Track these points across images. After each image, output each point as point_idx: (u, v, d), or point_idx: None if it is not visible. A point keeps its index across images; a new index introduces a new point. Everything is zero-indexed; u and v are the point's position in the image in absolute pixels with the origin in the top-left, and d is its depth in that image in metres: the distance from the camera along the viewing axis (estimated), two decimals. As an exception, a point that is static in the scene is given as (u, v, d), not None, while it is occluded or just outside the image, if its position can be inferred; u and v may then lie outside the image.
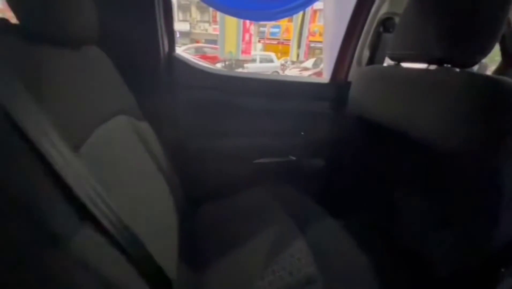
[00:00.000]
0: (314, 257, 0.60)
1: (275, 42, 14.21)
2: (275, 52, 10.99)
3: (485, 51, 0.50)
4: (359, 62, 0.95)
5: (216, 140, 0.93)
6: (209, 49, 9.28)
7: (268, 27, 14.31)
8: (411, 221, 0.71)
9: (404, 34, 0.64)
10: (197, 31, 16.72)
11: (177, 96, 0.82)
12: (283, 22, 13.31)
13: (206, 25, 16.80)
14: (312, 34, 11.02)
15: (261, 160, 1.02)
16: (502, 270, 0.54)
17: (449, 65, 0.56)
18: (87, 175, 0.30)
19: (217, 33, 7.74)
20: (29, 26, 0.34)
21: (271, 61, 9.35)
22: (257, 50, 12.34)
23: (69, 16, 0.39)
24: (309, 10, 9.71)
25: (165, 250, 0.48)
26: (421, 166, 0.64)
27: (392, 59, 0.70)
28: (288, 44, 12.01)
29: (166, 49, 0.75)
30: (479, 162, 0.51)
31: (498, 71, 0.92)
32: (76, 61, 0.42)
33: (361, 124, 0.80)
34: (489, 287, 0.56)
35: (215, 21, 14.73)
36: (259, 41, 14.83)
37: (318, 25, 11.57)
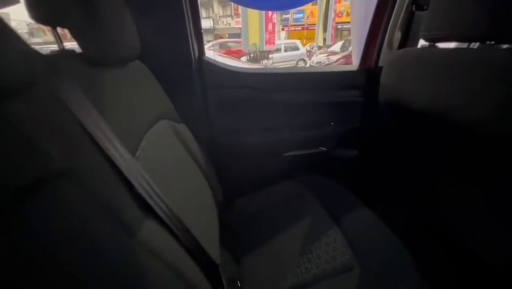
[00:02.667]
0: (350, 246, 0.61)
1: (299, 28, 13.73)
2: (300, 38, 10.65)
3: None
4: (390, 46, 0.89)
5: (247, 136, 0.97)
6: (233, 44, 9.34)
7: (292, 13, 13.83)
8: (455, 211, 0.68)
9: (441, 11, 0.59)
10: (220, 26, 16.90)
11: (208, 97, 0.87)
12: (307, 7, 12.74)
13: (229, 19, 16.88)
14: (338, 15, 10.41)
15: (292, 153, 1.03)
16: None
17: (492, 42, 0.51)
18: (144, 174, 0.36)
19: (240, 26, 7.74)
20: (90, 53, 0.40)
21: (296, 48, 9.09)
22: (281, 39, 12.08)
23: (120, 40, 0.45)
24: (334, -11, 9.16)
25: (209, 239, 0.54)
26: (465, 153, 0.60)
27: (427, 40, 0.66)
28: (314, 29, 11.52)
29: (197, 53, 0.80)
30: None
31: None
32: (125, 77, 0.49)
33: (395, 111, 0.77)
34: None
35: (237, 14, 14.70)
36: (282, 29, 14.47)
37: (345, 4, 10.87)
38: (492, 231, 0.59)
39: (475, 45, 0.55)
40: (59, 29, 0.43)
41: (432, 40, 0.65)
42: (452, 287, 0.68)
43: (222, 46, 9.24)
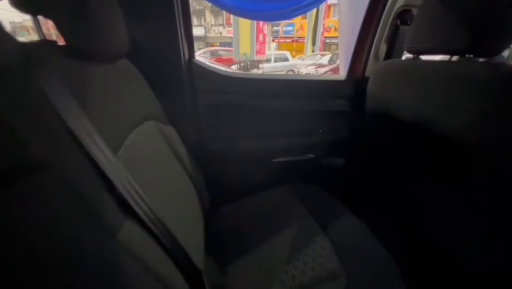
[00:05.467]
0: (337, 254, 0.61)
1: (289, 40, 14.14)
2: (290, 50, 10.93)
3: (509, 39, 0.48)
4: (376, 57, 0.93)
5: (236, 141, 0.96)
6: (224, 52, 9.44)
7: (282, 26, 14.27)
8: (437, 219, 0.69)
9: (423, 25, 0.63)
10: (211, 34, 17.07)
11: (198, 101, 0.86)
12: (297, 20, 13.20)
13: (221, 28, 17.08)
14: (327, 29, 10.84)
15: (281, 159, 1.03)
16: None
17: (471, 56, 0.55)
18: (127, 174, 0.34)
19: (231, 35, 7.85)
20: (75, 46, 0.39)
21: (286, 59, 9.31)
22: (271, 49, 12.36)
23: (108, 35, 0.44)
24: (323, 5, 9.55)
25: (193, 244, 0.52)
26: (447, 161, 0.63)
27: (410, 52, 0.69)
28: (303, 42, 11.90)
29: (187, 56, 0.79)
30: (509, 155, 0.49)
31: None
32: (111, 74, 0.47)
33: (381, 120, 0.79)
34: None
35: (229, 24, 14.93)
36: (273, 41, 14.85)
37: (333, 20, 11.34)
38: (472, 239, 0.61)
39: (456, 58, 0.58)
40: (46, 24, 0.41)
41: (415, 52, 0.68)
42: None
43: (213, 54, 9.31)
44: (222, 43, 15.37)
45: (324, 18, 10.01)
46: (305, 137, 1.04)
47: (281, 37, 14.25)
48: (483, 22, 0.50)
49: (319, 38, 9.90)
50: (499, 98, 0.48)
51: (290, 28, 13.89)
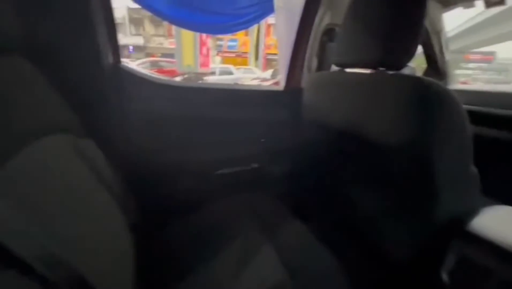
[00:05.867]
0: (284, 265, 0.60)
1: (233, 55, 14.52)
2: (234, 64, 11.20)
3: (409, 53, 0.57)
4: (309, 69, 1.01)
5: (174, 154, 0.89)
6: (166, 63, 9.05)
7: (226, 40, 14.61)
8: (370, 216, 0.76)
9: (344, 42, 0.70)
10: (152, 45, 16.25)
11: (127, 110, 0.77)
12: (240, 36, 13.76)
13: (162, 39, 16.43)
14: (268, 47, 11.55)
15: (223, 171, 1.00)
16: (455, 241, 0.59)
17: (383, 69, 0.63)
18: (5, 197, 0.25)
19: (174, 46, 7.61)
20: None
21: (230, 73, 9.49)
22: (216, 63, 12.47)
23: None
24: (263, 24, 10.19)
25: (115, 273, 0.43)
26: (373, 164, 0.69)
27: (336, 65, 0.76)
28: (246, 57, 12.37)
29: (111, 59, 0.70)
30: (419, 155, 0.56)
31: (424, 75, 1.07)
32: None
33: (316, 129, 0.84)
34: (440, 261, 0.61)
35: (170, 35, 14.51)
36: (217, 54, 15.03)
37: (273, 38, 12.19)
38: (397, 229, 0.68)
39: (372, 70, 0.66)
40: None
41: (340, 65, 0.75)
42: None
43: (154, 64, 8.82)
44: (164, 54, 14.78)
45: (265, 36, 10.67)
46: (248, 146, 1.03)
47: (225, 51, 14.55)
48: (388, 40, 0.59)
49: (261, 54, 10.46)
50: (408, 105, 0.55)
51: (234, 43, 14.33)
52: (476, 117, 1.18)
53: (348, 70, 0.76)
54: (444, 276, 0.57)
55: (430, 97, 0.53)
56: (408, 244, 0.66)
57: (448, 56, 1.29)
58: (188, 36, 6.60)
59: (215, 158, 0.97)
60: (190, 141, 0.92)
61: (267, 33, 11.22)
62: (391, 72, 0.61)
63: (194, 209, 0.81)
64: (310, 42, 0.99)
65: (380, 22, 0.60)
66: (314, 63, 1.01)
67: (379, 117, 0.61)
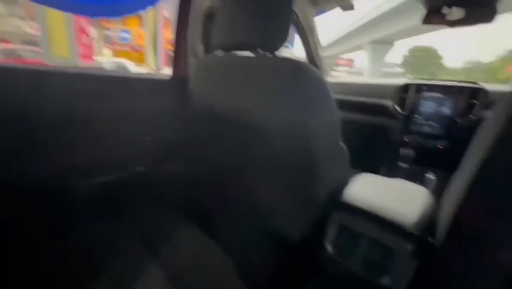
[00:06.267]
0: (171, 282, 0.54)
1: (127, 48, 12.75)
2: (130, 59, 9.85)
3: (282, 36, 0.58)
4: (194, 55, 0.93)
5: (29, 161, 0.62)
6: (28, 53, 6.93)
7: (116, 31, 12.63)
8: (267, 203, 0.75)
9: (222, 25, 0.66)
10: (4, 28, 12.13)
11: None
12: (133, 27, 12.19)
13: (18, 21, 12.48)
14: (168, 41, 10.78)
15: (99, 180, 0.79)
16: (334, 213, 0.64)
17: (263, 51, 0.62)
18: None
19: (38, 32, 5.92)
20: None
21: (124, 68, 8.27)
22: (105, 56, 10.64)
23: None
24: (161, 16, 9.40)
25: None
26: (264, 151, 0.68)
27: (221, 48, 0.71)
28: (143, 52, 11.13)
29: None
30: (301, 135, 0.58)
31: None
32: None
33: (207, 118, 0.77)
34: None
35: (31, 17, 11.25)
36: (106, 47, 12.81)
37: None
38: (289, 212, 0.70)
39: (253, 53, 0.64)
40: None
41: (224, 48, 0.70)
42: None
43: (8, 53, 6.59)
44: (26, 41, 11.32)
45: (164, 28, 9.88)
46: (130, 146, 0.86)
47: (116, 43, 12.58)
48: (262, 22, 0.58)
49: (161, 48, 9.63)
50: (288, 86, 0.55)
51: (126, 35, 12.57)
52: (341, 104, 1.43)
53: (232, 53, 0.73)
54: (328, 247, 0.61)
55: (308, 79, 0.55)
56: (299, 223, 0.68)
57: (322, 53, 1.50)
58: (57, 19, 5.25)
59: (85, 164, 0.75)
60: (42, 146, 0.66)
61: (166, 26, 10.44)
62: (270, 55, 0.61)
63: (64, 232, 0.67)
64: (191, 26, 0.90)
65: (253, 4, 0.58)
66: (200, 48, 0.93)
67: (265, 101, 0.59)
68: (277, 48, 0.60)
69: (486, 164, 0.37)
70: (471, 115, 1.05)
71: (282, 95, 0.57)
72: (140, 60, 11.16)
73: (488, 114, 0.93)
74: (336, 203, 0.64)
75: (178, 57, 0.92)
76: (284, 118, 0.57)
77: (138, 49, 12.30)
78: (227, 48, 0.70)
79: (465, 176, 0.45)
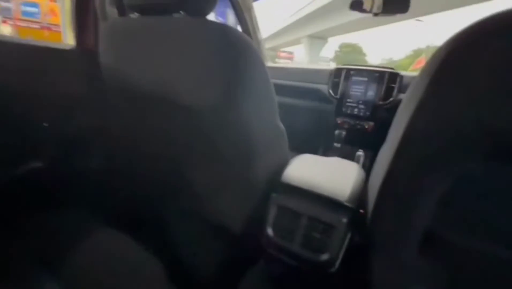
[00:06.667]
0: None
1: (36, 26, 10.43)
2: (41, 39, 8.10)
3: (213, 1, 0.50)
4: (104, 19, 0.77)
5: None
6: None
7: (16, 4, 10.14)
8: (205, 192, 0.68)
9: None
10: None
11: None
12: (43, 2, 9.98)
13: None
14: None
15: None
16: (273, 195, 0.62)
17: (187, 15, 0.53)
18: None
19: None
20: None
21: (33, 50, 6.76)
22: (2, 32, 8.50)
23: None
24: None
25: None
26: (197, 136, 0.60)
27: (137, 11, 0.59)
28: (59, 31, 9.31)
29: None
30: (235, 112, 0.52)
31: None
32: None
33: (124, 98, 0.64)
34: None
35: None
36: (4, 22, 10.21)
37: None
38: (229, 199, 0.64)
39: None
40: None
41: (139, 11, 0.59)
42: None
43: None
44: None
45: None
46: (23, 137, 0.66)
47: (19, 19, 10.16)
48: None
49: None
50: (216, 57, 0.48)
51: (33, 9, 10.25)
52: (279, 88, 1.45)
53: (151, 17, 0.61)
54: (269, 230, 0.58)
55: (238, 45, 0.49)
56: (241, 209, 0.64)
57: (260, 37, 1.47)
58: None
59: None
60: None
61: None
62: (195, 18, 0.52)
63: None
64: None
65: None
66: (112, 11, 0.77)
67: (191, 74, 0.51)
68: (205, 12, 0.52)
69: (407, 132, 0.38)
70: (391, 98, 1.18)
71: (212, 67, 0.49)
72: (57, 41, 9.33)
73: (403, 96, 1.05)
74: (276, 184, 0.61)
75: (83, 21, 0.73)
76: (215, 93, 0.50)
77: (52, 28, 10.20)
78: (145, 10, 0.58)
79: (389, 147, 0.46)
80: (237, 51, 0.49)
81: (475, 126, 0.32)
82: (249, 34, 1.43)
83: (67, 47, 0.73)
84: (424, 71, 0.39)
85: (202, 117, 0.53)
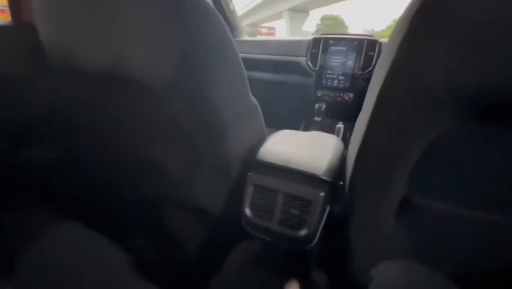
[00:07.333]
0: None
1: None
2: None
3: None
4: None
5: None
6: None
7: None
8: (178, 176, 0.64)
9: None
10: None
11: None
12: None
13: None
14: None
15: None
16: (250, 174, 0.59)
17: None
18: None
19: None
20: None
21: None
22: None
23: None
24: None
25: None
26: (158, 114, 0.54)
27: None
28: (5, 11, 8.35)
29: None
30: (197, 87, 0.46)
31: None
32: None
33: (69, 76, 0.55)
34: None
35: None
36: None
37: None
38: (202, 181, 0.61)
39: None
40: None
41: None
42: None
43: None
44: None
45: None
46: None
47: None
48: None
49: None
50: (171, 20, 0.41)
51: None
52: (255, 63, 1.38)
53: None
54: (247, 211, 0.56)
55: (195, 4, 0.42)
56: (216, 191, 0.61)
57: (233, 6, 1.36)
58: None
59: None
60: None
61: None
62: None
63: None
64: None
65: None
66: None
67: (143, 42, 0.43)
68: None
69: (380, 95, 0.36)
70: (370, 67, 1.15)
71: (166, 31, 0.42)
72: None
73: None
74: (253, 162, 0.58)
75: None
76: (173, 63, 0.44)
77: (2, 10, 9.10)
78: None
79: (365, 115, 0.44)
80: (194, 12, 0.42)
81: (444, 83, 0.29)
82: (223, 9, 1.31)
83: (2, 24, 0.62)
84: (397, 28, 0.35)
85: (160, 93, 0.47)
